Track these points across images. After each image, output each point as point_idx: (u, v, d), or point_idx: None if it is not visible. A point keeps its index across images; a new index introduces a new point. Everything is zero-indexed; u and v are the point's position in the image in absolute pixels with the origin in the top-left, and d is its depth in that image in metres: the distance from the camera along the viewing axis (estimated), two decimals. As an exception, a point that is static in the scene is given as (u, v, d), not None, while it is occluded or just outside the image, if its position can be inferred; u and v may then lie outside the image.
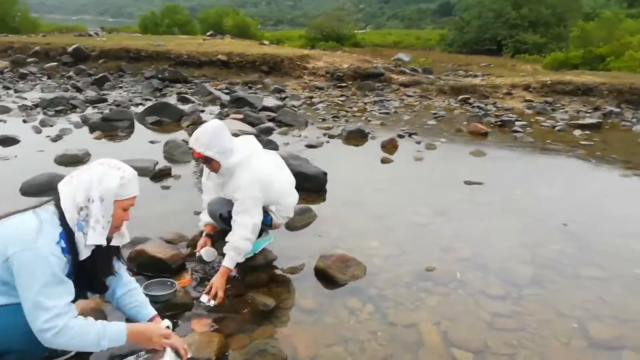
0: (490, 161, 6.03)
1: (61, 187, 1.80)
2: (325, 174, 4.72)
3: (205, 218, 3.14)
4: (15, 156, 5.38)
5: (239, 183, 2.73)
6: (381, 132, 7.41)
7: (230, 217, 2.84)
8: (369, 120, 8.32)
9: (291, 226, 3.75)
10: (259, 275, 3.00)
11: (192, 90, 10.70)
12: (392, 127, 7.83)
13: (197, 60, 13.57)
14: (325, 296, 2.84)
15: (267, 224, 3.02)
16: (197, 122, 7.07)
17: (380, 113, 9.09)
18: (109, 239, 1.88)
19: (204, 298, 2.60)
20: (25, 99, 9.03)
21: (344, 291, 2.89)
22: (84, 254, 1.79)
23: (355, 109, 9.47)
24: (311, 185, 4.57)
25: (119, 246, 2.04)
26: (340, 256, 3.10)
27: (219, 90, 10.62)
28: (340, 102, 10.15)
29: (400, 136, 7.05)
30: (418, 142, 6.75)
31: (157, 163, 5.09)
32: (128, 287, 2.08)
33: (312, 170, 4.67)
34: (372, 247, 3.48)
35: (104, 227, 1.78)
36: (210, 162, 2.73)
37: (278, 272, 3.09)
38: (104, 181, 1.76)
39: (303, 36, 27.31)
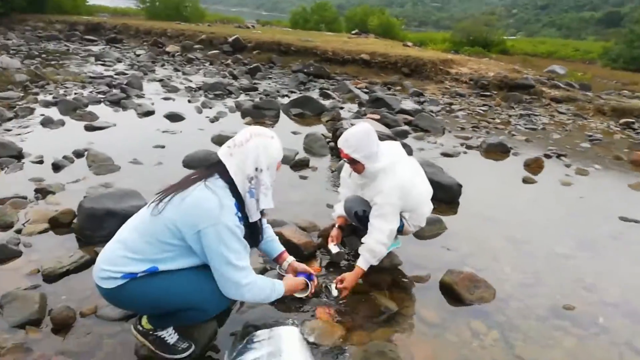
0: (653, 197, 5.29)
1: (225, 159, 1.97)
2: (460, 185, 4.57)
3: (339, 210, 3.24)
4: (181, 132, 6.14)
5: (381, 188, 2.77)
6: (525, 148, 6.92)
7: (364, 216, 2.91)
8: (513, 135, 7.81)
9: (420, 235, 3.72)
10: (384, 278, 3.03)
11: (333, 87, 11.07)
12: (538, 145, 7.26)
13: (341, 58, 13.97)
14: (448, 312, 2.77)
15: (398, 230, 3.04)
16: (336, 118, 7.33)
17: (526, 128, 8.47)
18: None
19: (333, 288, 2.73)
20: (191, 81, 10.20)
21: (469, 311, 2.79)
22: (255, 217, 2.03)
23: (498, 120, 8.95)
24: (444, 196, 4.47)
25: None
26: (469, 274, 2.99)
27: (359, 88, 10.83)
28: (482, 111, 9.68)
29: (547, 156, 6.51)
30: (567, 165, 6.16)
31: (297, 153, 5.41)
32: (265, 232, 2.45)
33: (446, 180, 4.56)
34: (504, 272, 3.29)
35: (270, 191, 2.02)
36: (355, 164, 2.80)
37: (403, 278, 3.10)
38: (268, 150, 1.98)
39: (447, 39, 26.46)
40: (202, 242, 1.88)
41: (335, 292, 2.73)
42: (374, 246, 2.76)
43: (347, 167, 3.18)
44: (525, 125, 8.69)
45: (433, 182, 4.35)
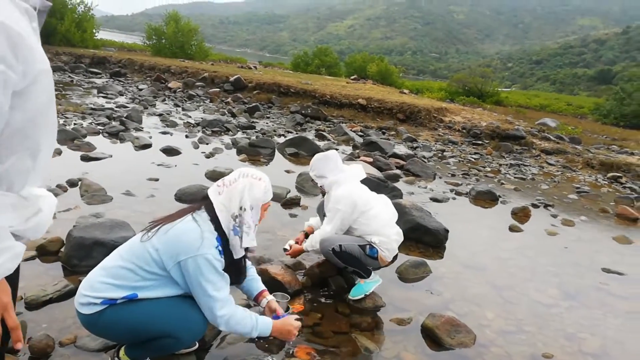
0: (636, 251, 5.36)
1: (213, 196, 2.09)
2: (447, 230, 4.64)
3: (311, 221, 3.63)
4: (175, 165, 6.24)
5: (333, 194, 3.16)
6: (514, 197, 7.04)
7: (341, 251, 3.09)
8: (502, 183, 7.96)
9: (404, 277, 3.77)
10: (365, 319, 3.05)
11: (329, 129, 11.30)
12: (526, 195, 7.39)
13: (338, 102, 14.33)
14: (428, 355, 2.78)
15: (372, 256, 3.16)
16: (330, 160, 7.47)
17: (515, 177, 8.64)
18: None
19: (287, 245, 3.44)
20: (190, 117, 10.41)
21: (449, 356, 2.80)
22: (239, 254, 2.12)
23: (489, 169, 9.13)
24: (430, 240, 4.53)
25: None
26: (450, 319, 3.02)
27: (354, 131, 11.07)
28: (473, 159, 9.88)
29: (535, 206, 6.62)
30: (554, 216, 6.27)
31: (289, 191, 5.50)
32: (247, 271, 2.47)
33: (433, 224, 4.64)
34: (486, 318, 3.31)
35: (253, 231, 2.09)
36: (316, 183, 3.28)
37: (384, 319, 3.11)
38: (253, 192, 2.09)
39: (443, 88, 27.22)
40: (182, 273, 1.96)
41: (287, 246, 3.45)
42: (314, 239, 3.22)
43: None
44: (515, 174, 8.86)
45: (420, 226, 4.49)
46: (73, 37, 23.73)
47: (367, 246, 3.14)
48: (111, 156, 6.25)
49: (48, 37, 22.41)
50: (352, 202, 3.11)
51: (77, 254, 3.22)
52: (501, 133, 12.37)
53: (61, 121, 8.03)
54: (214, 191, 2.11)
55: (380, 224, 3.19)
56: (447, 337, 2.89)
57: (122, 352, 2.14)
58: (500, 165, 9.71)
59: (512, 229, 5.51)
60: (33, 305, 2.71)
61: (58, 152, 6.09)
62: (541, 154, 11.40)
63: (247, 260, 2.35)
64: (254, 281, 2.52)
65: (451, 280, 3.88)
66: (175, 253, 1.93)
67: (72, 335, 2.48)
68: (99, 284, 1.95)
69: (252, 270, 2.54)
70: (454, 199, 6.52)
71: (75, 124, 7.99)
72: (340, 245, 3.07)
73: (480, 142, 11.99)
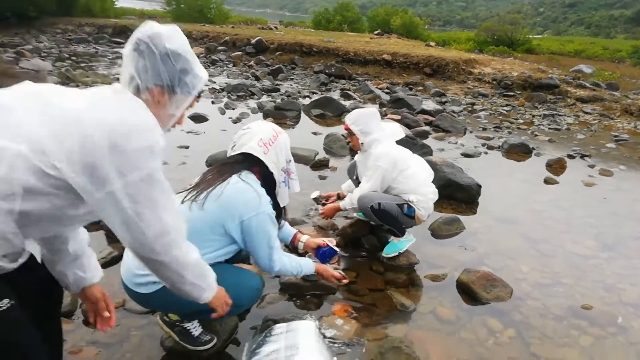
0: (680, 199, 5.18)
1: (262, 156, 2.09)
2: (479, 186, 4.57)
3: (344, 186, 3.76)
4: (204, 132, 6.30)
5: (373, 152, 3.14)
6: (548, 149, 6.84)
7: (380, 209, 3.09)
8: (536, 135, 7.72)
9: (437, 234, 3.77)
10: (400, 276, 3.09)
11: (354, 87, 11.11)
12: (561, 146, 7.17)
13: (362, 59, 14.00)
14: (464, 310, 2.81)
15: (410, 215, 3.15)
16: (357, 119, 7.38)
17: (549, 128, 8.36)
18: None
19: (315, 194, 3.76)
20: (214, 82, 10.39)
21: (485, 310, 2.82)
22: (286, 201, 2.29)
23: (521, 120, 8.86)
24: (463, 196, 4.49)
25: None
26: (485, 273, 3.02)
27: (380, 89, 10.85)
28: (504, 111, 9.59)
29: (571, 157, 6.43)
30: (591, 166, 6.08)
31: (317, 153, 5.49)
32: None
33: (465, 180, 4.57)
34: (521, 271, 3.30)
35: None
36: (352, 136, 3.24)
37: (419, 276, 3.14)
38: (287, 144, 2.24)
39: (471, 39, 26.09)
40: (244, 230, 2.03)
41: (316, 195, 3.74)
42: (352, 197, 3.25)
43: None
44: (549, 125, 8.58)
45: (452, 182, 4.44)
46: (94, 6, 23.75)
47: (405, 205, 3.13)
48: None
49: (69, 8, 22.47)
50: (392, 160, 3.09)
51: (118, 223, 3.32)
52: (533, 83, 11.90)
53: (90, 93, 8.16)
54: (260, 151, 2.10)
55: (418, 183, 3.16)
56: (483, 292, 2.90)
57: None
58: (534, 116, 9.40)
59: (547, 181, 5.38)
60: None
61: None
62: (576, 103, 10.95)
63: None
64: (285, 227, 2.64)
65: (485, 235, 3.85)
66: (237, 214, 1.99)
67: (120, 299, 2.60)
68: None
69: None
70: (485, 153, 6.39)
71: (103, 95, 8.10)
72: (379, 204, 3.06)
73: (511, 93, 11.58)
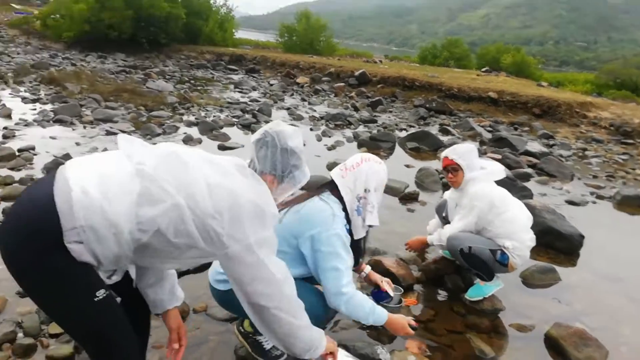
0: None
1: (337, 179, 2.20)
2: (582, 236, 4.21)
3: (431, 225, 3.61)
4: (299, 157, 6.55)
5: (471, 190, 2.98)
6: (670, 205, 6.10)
7: (470, 254, 2.93)
8: (656, 188, 6.93)
9: (529, 282, 3.52)
10: (483, 320, 2.92)
11: (454, 123, 10.88)
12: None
13: (467, 95, 13.68)
14: (550, 368, 2.58)
15: (503, 263, 2.96)
16: (453, 155, 7.21)
17: (673, 182, 7.46)
18: None
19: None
20: (315, 111, 10.81)
21: (575, 371, 2.56)
22: (360, 234, 2.22)
23: (639, 171, 8.02)
24: (562, 246, 4.16)
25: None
26: (579, 330, 2.75)
27: (482, 126, 10.50)
28: (621, 160, 8.74)
29: (697, 216, 5.66)
30: None
31: (407, 186, 5.44)
32: None
33: (567, 228, 4.24)
34: (622, 334, 2.96)
35: (377, 210, 2.19)
36: (456, 172, 3.03)
37: (503, 324, 2.95)
38: (379, 174, 2.20)
39: (590, 81, 24.37)
40: (313, 246, 2.06)
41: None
42: (441, 233, 3.12)
43: (446, 194, 3.41)
44: (673, 179, 7.65)
45: (552, 230, 4.16)
46: (215, 37, 26.01)
47: (499, 251, 2.94)
48: (243, 146, 6.79)
49: (195, 37, 24.89)
50: (490, 200, 2.93)
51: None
52: (659, 131, 10.74)
53: (203, 114, 8.92)
54: (338, 174, 2.21)
55: (516, 228, 2.97)
56: (573, 350, 2.64)
57: (246, 322, 2.34)
58: (656, 167, 8.45)
59: (664, 240, 4.79)
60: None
61: (199, 142, 6.80)
62: None
63: (365, 243, 2.39)
64: None
65: (583, 290, 3.52)
66: (308, 227, 2.06)
67: (204, 304, 2.78)
68: None
69: None
70: (594, 202, 5.87)
71: (214, 116, 8.81)
72: (470, 247, 2.91)
73: (631, 140, 10.54)
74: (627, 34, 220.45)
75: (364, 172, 2.18)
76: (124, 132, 6.82)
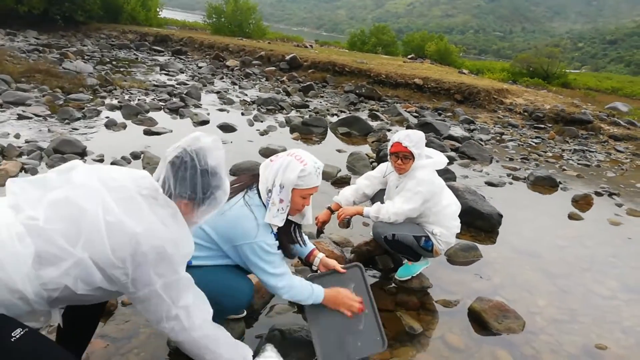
0: None
1: (261, 170, 2.17)
2: (501, 215, 4.52)
3: (338, 198, 3.36)
4: (231, 142, 6.43)
5: (417, 176, 2.97)
6: (576, 184, 6.71)
7: (394, 240, 3.03)
8: (564, 169, 7.58)
9: (453, 260, 3.73)
10: (411, 298, 3.07)
11: (383, 109, 11.17)
12: (589, 182, 7.02)
13: (394, 81, 14.07)
14: (473, 339, 2.77)
15: (427, 249, 3.09)
16: (382, 140, 7.42)
17: (578, 164, 8.20)
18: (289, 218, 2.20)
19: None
20: (246, 95, 10.62)
21: (495, 340, 2.77)
22: (277, 224, 2.13)
23: (550, 154, 8.71)
24: (482, 224, 4.44)
25: (298, 223, 2.34)
26: (498, 303, 2.97)
27: (409, 112, 10.87)
28: (534, 143, 9.46)
29: (598, 194, 6.28)
30: (619, 205, 5.92)
31: (339, 170, 5.53)
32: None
33: (486, 208, 4.53)
34: (537, 305, 3.23)
35: (279, 210, 2.07)
36: (407, 160, 2.99)
37: (431, 300, 3.11)
38: (287, 171, 2.06)
39: (506, 69, 25.94)
40: (239, 253, 2.09)
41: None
42: (383, 209, 3.02)
43: (381, 169, 3.35)
44: (579, 160, 8.41)
45: (473, 210, 4.40)
46: (138, 15, 24.63)
47: (423, 238, 3.05)
48: (171, 131, 6.53)
49: (116, 15, 23.39)
50: (433, 190, 2.99)
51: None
52: (566, 117, 11.71)
53: (126, 97, 8.45)
54: (264, 165, 2.18)
55: (446, 216, 3.09)
56: (494, 322, 2.86)
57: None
58: (563, 150, 9.23)
59: (571, 216, 5.27)
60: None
61: (123, 126, 6.44)
62: (609, 140, 10.72)
63: (298, 232, 2.38)
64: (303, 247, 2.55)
65: (502, 265, 3.80)
66: (231, 238, 2.06)
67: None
68: None
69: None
70: (510, 183, 6.31)
71: (139, 99, 8.38)
72: (393, 235, 3.01)
73: (542, 125, 11.42)
74: (538, 24, 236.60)
75: (278, 166, 2.08)
76: (38, 116, 6.31)
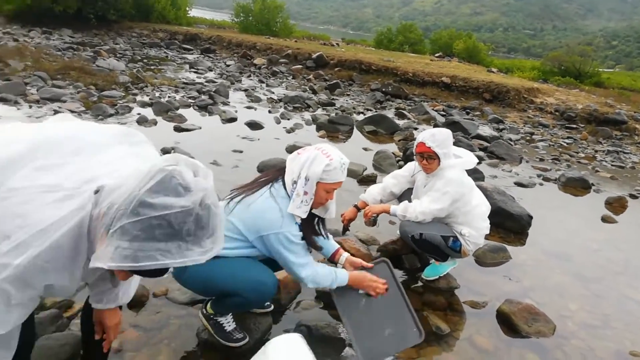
0: None
1: (288, 162, 2.20)
2: (531, 217, 4.43)
3: (365, 196, 3.32)
4: (258, 139, 6.50)
5: (445, 176, 2.93)
6: (609, 186, 6.52)
7: (421, 239, 2.99)
8: (597, 171, 7.38)
9: (481, 261, 3.68)
10: (439, 298, 3.04)
11: (409, 107, 11.07)
12: (624, 184, 6.81)
13: (421, 80, 13.93)
14: (502, 341, 2.73)
15: (455, 250, 3.06)
16: (409, 138, 7.36)
17: (612, 165, 7.96)
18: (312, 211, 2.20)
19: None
20: (273, 93, 10.69)
21: (524, 343, 2.72)
22: (301, 215, 2.14)
23: (582, 155, 8.49)
24: (512, 225, 4.36)
25: (321, 217, 2.34)
26: (528, 306, 2.92)
27: (436, 111, 10.75)
28: (565, 144, 9.23)
29: (633, 196, 6.08)
30: (655, 208, 5.74)
31: (365, 169, 5.52)
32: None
33: (516, 209, 4.45)
34: (568, 309, 3.16)
35: (302, 202, 2.09)
36: (432, 160, 2.95)
37: (458, 301, 3.08)
38: (313, 164, 2.08)
39: (536, 68, 25.38)
40: (265, 244, 2.12)
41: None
42: (410, 208, 2.99)
43: (409, 168, 3.31)
44: (612, 162, 8.17)
45: (502, 211, 4.33)
46: (168, 14, 25.06)
47: (451, 238, 3.01)
48: (200, 128, 6.64)
49: (147, 14, 23.87)
50: (462, 191, 2.95)
51: (170, 216, 3.51)
52: (599, 117, 11.39)
53: (157, 94, 8.62)
54: (291, 158, 2.20)
55: (475, 217, 3.04)
56: (523, 325, 2.81)
57: (208, 306, 2.34)
58: (596, 151, 8.98)
59: (604, 219, 5.12)
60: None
61: (154, 123, 6.59)
62: (645, 141, 10.37)
63: (322, 227, 2.39)
64: (328, 242, 2.55)
65: (532, 268, 3.72)
66: (257, 229, 2.09)
67: (164, 287, 2.73)
68: None
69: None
70: (540, 184, 6.17)
71: (169, 96, 8.53)
72: (421, 234, 2.98)
73: (574, 126, 11.13)
74: (570, 22, 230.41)
75: (303, 160, 2.10)
76: (73, 112, 6.49)
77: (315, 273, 2.19)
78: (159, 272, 1.15)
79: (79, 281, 1.32)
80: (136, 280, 1.75)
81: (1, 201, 1.15)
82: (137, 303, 2.58)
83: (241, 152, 5.74)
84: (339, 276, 2.26)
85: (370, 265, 2.46)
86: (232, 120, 7.44)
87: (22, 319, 1.29)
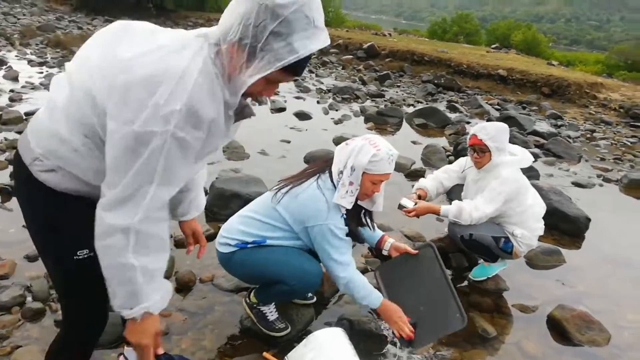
0: None
1: (336, 152, 2.19)
2: (589, 219, 4.20)
3: (422, 183, 3.19)
4: (306, 130, 6.53)
5: (499, 175, 2.82)
6: (677, 190, 6.07)
7: (470, 240, 2.91)
8: (663, 173, 6.89)
9: (533, 263, 3.54)
10: (485, 300, 2.94)
11: (462, 100, 10.75)
12: (694, 188, 6.31)
13: (475, 72, 13.48)
14: (552, 348, 2.61)
15: (506, 251, 2.95)
16: (461, 132, 7.15)
17: (682, 167, 7.41)
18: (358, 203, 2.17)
19: (405, 202, 2.92)
20: (322, 83, 10.69)
21: (576, 352, 2.60)
22: (346, 205, 2.11)
23: (648, 155, 7.95)
24: (567, 228, 4.15)
25: (368, 210, 2.30)
26: (582, 313, 2.77)
27: (490, 104, 10.38)
28: (629, 143, 8.67)
29: None
30: None
31: (414, 163, 5.42)
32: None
33: (573, 211, 4.23)
34: (625, 319, 2.98)
35: (347, 192, 2.07)
36: (483, 153, 2.86)
37: (506, 304, 2.97)
38: (360, 154, 2.04)
39: (601, 61, 24.01)
40: (309, 235, 2.12)
41: (406, 203, 2.89)
42: (463, 212, 2.84)
43: (460, 163, 3.22)
44: (683, 164, 7.59)
45: (557, 212, 4.14)
46: (223, 3, 25.60)
47: (502, 239, 2.90)
48: (254, 115, 6.72)
49: (202, 4, 24.51)
50: (517, 189, 2.84)
51: (217, 203, 3.60)
52: (670, 115, 10.61)
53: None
54: (339, 148, 2.19)
55: (530, 217, 2.92)
56: (576, 332, 2.67)
57: (252, 294, 2.38)
58: (665, 152, 8.38)
59: (672, 225, 4.79)
60: (180, 244, 3.09)
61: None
62: None
63: (369, 218, 2.36)
64: (373, 234, 2.53)
65: (588, 273, 3.54)
66: (303, 219, 2.10)
67: (211, 274, 2.81)
68: (235, 229, 2.22)
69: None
70: (600, 185, 5.84)
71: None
72: (470, 235, 2.89)
73: (640, 124, 10.43)
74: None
75: (350, 149, 2.08)
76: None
77: (352, 278, 2.13)
78: (302, 68, 1.24)
79: (226, 127, 1.45)
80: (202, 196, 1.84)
81: (129, 61, 1.18)
82: (184, 287, 2.67)
83: (289, 142, 5.78)
84: (373, 295, 2.16)
85: (415, 251, 2.41)
86: (281, 110, 7.50)
87: (200, 168, 1.52)
